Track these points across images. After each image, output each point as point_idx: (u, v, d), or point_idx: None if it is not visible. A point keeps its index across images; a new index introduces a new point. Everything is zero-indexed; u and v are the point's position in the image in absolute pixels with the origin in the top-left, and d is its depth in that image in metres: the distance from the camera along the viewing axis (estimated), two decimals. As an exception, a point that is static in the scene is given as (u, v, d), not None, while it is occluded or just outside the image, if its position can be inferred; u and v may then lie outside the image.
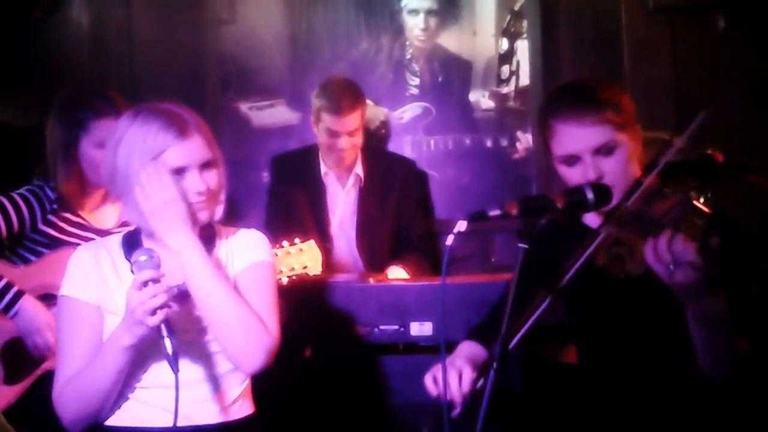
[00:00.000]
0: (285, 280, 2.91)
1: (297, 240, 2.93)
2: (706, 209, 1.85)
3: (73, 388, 2.08)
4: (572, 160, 2.11)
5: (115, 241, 2.24)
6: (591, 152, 2.08)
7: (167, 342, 1.92)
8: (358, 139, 3.62)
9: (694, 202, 1.86)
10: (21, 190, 2.92)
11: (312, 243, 2.93)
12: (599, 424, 2.24)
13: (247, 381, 2.23)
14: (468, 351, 2.24)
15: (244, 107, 4.45)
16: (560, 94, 2.19)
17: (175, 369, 1.91)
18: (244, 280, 2.21)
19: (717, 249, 1.72)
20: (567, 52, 4.26)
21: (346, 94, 3.57)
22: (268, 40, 4.44)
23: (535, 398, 2.81)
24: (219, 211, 2.20)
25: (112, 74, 4.30)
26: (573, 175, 2.11)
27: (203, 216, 2.14)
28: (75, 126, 2.88)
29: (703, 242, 1.75)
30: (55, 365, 2.17)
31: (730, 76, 4.02)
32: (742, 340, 1.96)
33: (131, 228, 2.26)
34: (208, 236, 2.22)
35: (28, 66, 4.29)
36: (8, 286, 2.78)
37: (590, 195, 1.90)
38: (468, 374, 2.03)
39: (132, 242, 2.20)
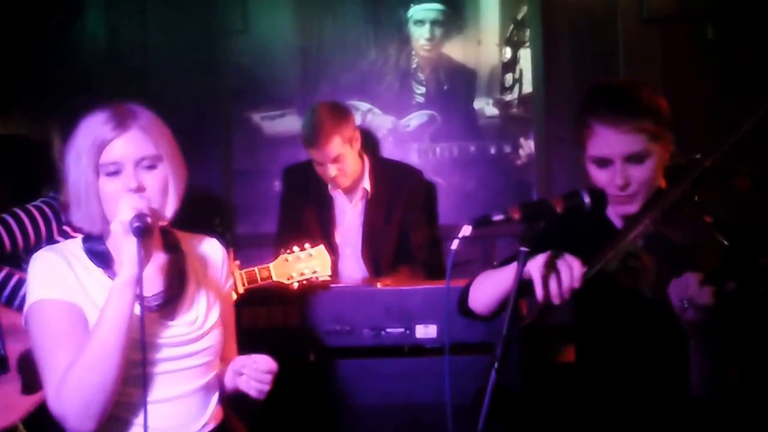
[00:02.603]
0: (296, 285, 2.98)
1: (307, 245, 3.00)
2: (724, 241, 1.88)
3: (76, 375, 1.87)
4: (604, 162, 2.12)
5: (76, 246, 2.08)
6: (623, 158, 2.08)
7: (136, 222, 1.86)
8: (348, 164, 3.57)
9: (714, 232, 1.89)
10: (36, 203, 2.93)
11: (321, 248, 3.01)
12: (597, 423, 2.27)
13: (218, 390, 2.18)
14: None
15: (256, 117, 4.47)
16: (603, 94, 2.16)
17: (139, 240, 1.85)
18: (228, 302, 2.23)
19: (732, 295, 1.76)
20: (567, 60, 4.30)
21: (320, 125, 3.49)
22: (280, 50, 4.47)
23: (534, 397, 2.84)
24: (166, 211, 2.03)
25: (127, 85, 4.33)
26: (601, 177, 2.12)
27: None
28: (72, 132, 2.88)
29: (719, 287, 1.78)
30: (43, 374, 1.96)
31: (717, 83, 4.08)
32: (734, 366, 2.00)
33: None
34: (170, 243, 2.14)
35: (45, 78, 4.34)
36: (9, 275, 2.78)
37: (587, 199, 1.93)
38: (578, 268, 1.94)
39: (98, 252, 2.06)
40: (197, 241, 2.23)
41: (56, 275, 1.99)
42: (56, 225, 2.91)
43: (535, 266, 1.95)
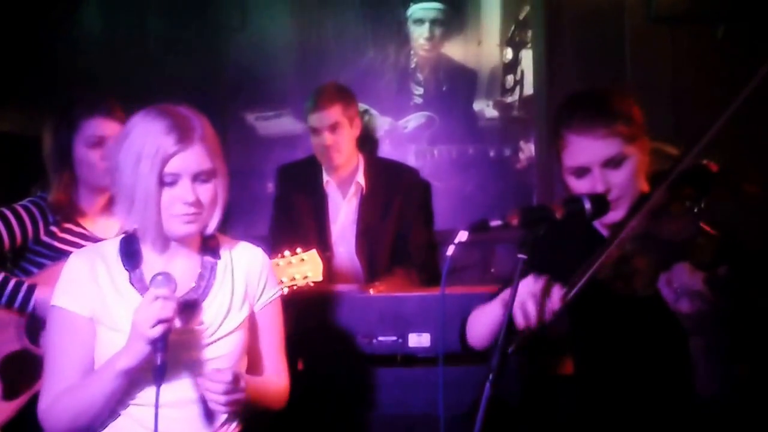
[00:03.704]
0: (285, 290, 2.91)
1: (299, 249, 2.94)
2: (713, 232, 1.87)
3: (64, 404, 2.04)
4: (581, 171, 2.12)
5: (112, 248, 2.17)
6: (600, 164, 2.09)
7: (158, 356, 1.92)
8: (344, 138, 3.63)
9: (702, 225, 1.88)
10: (23, 202, 2.90)
11: (313, 252, 2.94)
12: None
13: None
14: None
15: (250, 117, 4.47)
16: (573, 104, 2.18)
17: (159, 382, 1.92)
18: (267, 316, 2.27)
19: (724, 279, 1.75)
20: (571, 61, 4.26)
21: (324, 92, 3.64)
22: (277, 49, 4.47)
23: (532, 409, 2.81)
24: (211, 225, 2.14)
25: (123, 82, 4.30)
26: (582, 187, 2.12)
27: (189, 229, 2.08)
28: (66, 129, 2.87)
29: (711, 273, 1.78)
30: (43, 377, 2.12)
31: (727, 83, 4.03)
32: (742, 364, 1.98)
33: (127, 233, 2.20)
34: (211, 247, 2.20)
35: (39, 74, 4.31)
36: (19, 283, 2.74)
37: (588, 205, 1.92)
38: (557, 291, 1.96)
39: (130, 252, 2.14)
40: (239, 248, 2.27)
41: (77, 287, 2.09)
42: (43, 225, 2.87)
43: (521, 287, 1.96)
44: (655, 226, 1.96)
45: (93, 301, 2.08)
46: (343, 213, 3.75)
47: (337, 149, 3.62)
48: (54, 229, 2.87)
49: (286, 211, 3.79)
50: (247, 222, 4.33)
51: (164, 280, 1.98)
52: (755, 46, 4.05)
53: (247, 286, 2.21)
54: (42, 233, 2.86)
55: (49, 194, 2.87)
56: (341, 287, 3.47)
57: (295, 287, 2.91)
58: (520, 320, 1.94)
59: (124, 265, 2.13)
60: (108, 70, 4.37)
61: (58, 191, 2.86)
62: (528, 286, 1.95)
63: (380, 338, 2.98)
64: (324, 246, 3.57)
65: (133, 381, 2.02)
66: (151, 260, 2.13)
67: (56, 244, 2.86)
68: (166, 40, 4.42)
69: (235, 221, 4.36)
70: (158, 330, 1.92)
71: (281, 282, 2.90)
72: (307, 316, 3.03)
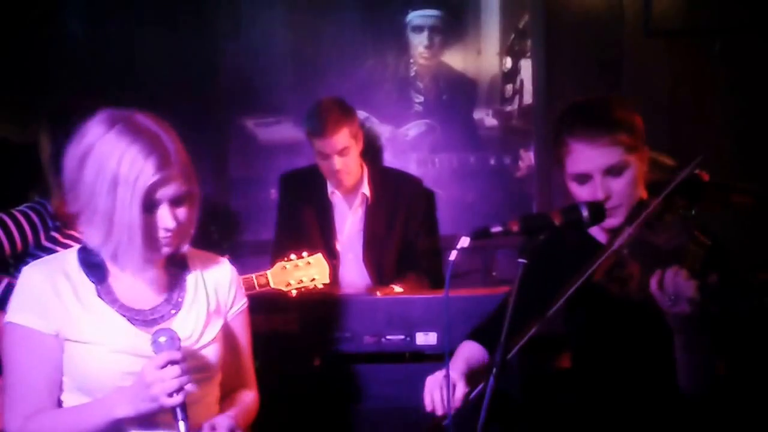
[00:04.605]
0: (294, 293, 2.97)
1: (305, 253, 2.99)
2: (706, 241, 1.93)
3: (44, 429, 1.96)
4: (583, 178, 2.17)
5: (71, 259, 2.06)
6: (601, 172, 2.14)
7: (182, 425, 1.86)
8: (352, 159, 3.57)
9: (695, 233, 1.94)
10: (22, 207, 2.88)
11: (319, 256, 3.00)
12: (594, 428, 2.31)
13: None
14: (467, 355, 2.27)
15: (250, 123, 4.44)
16: (576, 111, 2.22)
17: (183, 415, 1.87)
18: (237, 326, 2.22)
19: (715, 287, 1.80)
20: (570, 71, 4.26)
21: (329, 115, 3.50)
22: (274, 56, 4.43)
23: (533, 402, 2.86)
24: (185, 245, 2.06)
25: (114, 90, 4.16)
26: (582, 193, 2.17)
27: (167, 251, 2.01)
28: (65, 136, 2.78)
29: (703, 280, 1.83)
30: (7, 397, 2.00)
31: (723, 97, 4.06)
32: (720, 361, 2.05)
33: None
34: (178, 259, 2.13)
35: (27, 81, 4.27)
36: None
37: (585, 213, 1.95)
38: (461, 389, 2.07)
39: (93, 264, 2.04)
40: (206, 259, 2.21)
41: (35, 302, 1.98)
42: (43, 231, 2.87)
43: (428, 379, 2.10)
44: (650, 233, 2.01)
45: (57, 317, 1.97)
46: (349, 222, 3.74)
47: (347, 171, 3.56)
48: (56, 234, 2.87)
49: (291, 219, 3.77)
50: (254, 227, 4.33)
51: (169, 341, 1.89)
52: (752, 59, 4.06)
53: (218, 297, 2.17)
54: (43, 238, 2.86)
55: (50, 201, 2.87)
56: (349, 288, 3.54)
57: (302, 289, 2.98)
58: (426, 402, 2.08)
59: (89, 278, 2.03)
60: (100, 77, 4.30)
61: (59, 198, 2.83)
62: (438, 376, 2.08)
63: (389, 337, 3.02)
64: (331, 255, 3.53)
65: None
66: (119, 273, 2.05)
67: (59, 249, 2.83)
68: (158, 48, 4.34)
69: (242, 227, 4.37)
70: (178, 399, 1.85)
71: (289, 284, 2.97)
72: (315, 318, 3.07)
